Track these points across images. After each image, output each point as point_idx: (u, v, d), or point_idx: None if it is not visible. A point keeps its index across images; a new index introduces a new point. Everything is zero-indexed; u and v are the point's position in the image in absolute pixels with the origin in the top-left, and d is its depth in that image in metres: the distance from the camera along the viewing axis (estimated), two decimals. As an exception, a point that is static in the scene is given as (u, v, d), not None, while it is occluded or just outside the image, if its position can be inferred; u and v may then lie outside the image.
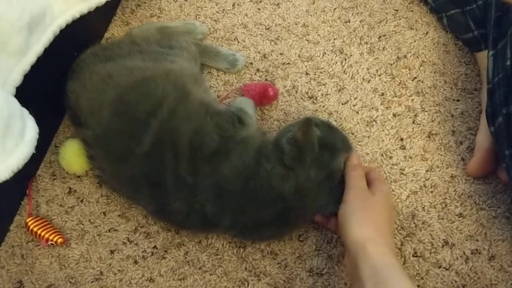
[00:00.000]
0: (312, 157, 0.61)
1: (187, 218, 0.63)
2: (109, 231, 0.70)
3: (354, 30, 0.84)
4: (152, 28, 0.83)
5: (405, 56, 0.81)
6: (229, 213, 0.63)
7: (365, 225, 0.56)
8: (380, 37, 0.83)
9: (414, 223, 0.68)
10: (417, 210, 0.69)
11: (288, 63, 0.82)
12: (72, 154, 0.71)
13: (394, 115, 0.76)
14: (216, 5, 0.88)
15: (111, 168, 0.67)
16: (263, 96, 0.76)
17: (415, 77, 0.79)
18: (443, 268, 0.65)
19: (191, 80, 0.70)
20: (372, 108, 0.77)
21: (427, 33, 0.83)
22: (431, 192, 0.70)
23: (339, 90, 0.79)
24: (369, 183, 0.63)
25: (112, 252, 0.69)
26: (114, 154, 0.66)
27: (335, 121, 0.76)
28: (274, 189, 0.61)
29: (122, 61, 0.70)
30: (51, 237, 0.68)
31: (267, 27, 0.85)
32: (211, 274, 0.67)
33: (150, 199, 0.66)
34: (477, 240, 0.67)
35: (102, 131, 0.66)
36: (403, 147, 0.74)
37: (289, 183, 0.61)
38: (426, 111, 0.76)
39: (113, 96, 0.66)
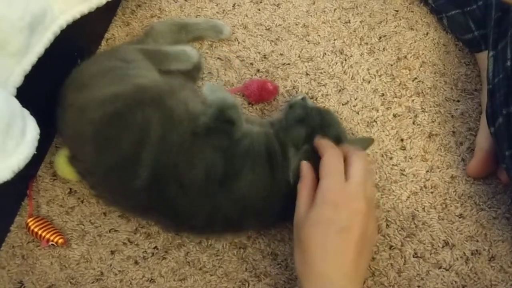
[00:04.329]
0: None
1: (210, 225, 0.63)
2: (109, 231, 0.70)
3: (354, 31, 0.84)
4: (172, 24, 0.81)
5: (405, 57, 0.81)
6: (255, 216, 0.63)
7: (296, 245, 0.57)
8: (380, 37, 0.83)
9: (415, 223, 0.68)
10: (417, 210, 0.69)
11: (288, 64, 0.82)
12: (65, 165, 0.70)
13: (394, 115, 0.76)
14: (217, 5, 0.88)
15: (112, 197, 0.67)
16: (262, 89, 0.76)
17: (416, 78, 0.79)
18: (443, 268, 0.66)
19: (166, 88, 0.67)
20: (373, 108, 0.77)
21: (427, 33, 0.83)
22: (432, 192, 0.70)
23: (339, 91, 0.79)
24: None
25: (112, 252, 0.69)
26: (111, 187, 0.65)
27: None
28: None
29: (91, 91, 0.66)
30: (51, 238, 0.68)
31: (267, 27, 0.85)
32: (211, 275, 0.67)
33: (163, 222, 0.66)
34: (477, 241, 0.67)
35: (92, 165, 0.64)
36: (403, 148, 0.74)
37: None
38: (426, 112, 0.76)
39: (91, 132, 0.63)
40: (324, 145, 0.61)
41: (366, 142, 0.70)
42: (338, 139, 0.64)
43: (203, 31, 0.83)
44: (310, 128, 0.63)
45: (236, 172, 0.60)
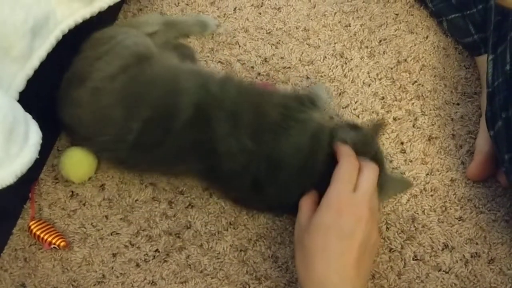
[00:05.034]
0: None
1: (239, 179, 0.65)
2: (111, 234, 0.71)
3: (355, 34, 0.84)
4: (162, 24, 0.82)
5: (405, 60, 0.81)
6: (278, 182, 0.63)
7: (298, 252, 0.59)
8: (380, 41, 0.84)
9: (414, 226, 0.69)
10: (417, 213, 0.70)
11: (289, 67, 0.82)
12: (70, 166, 0.71)
13: (394, 119, 0.77)
14: (218, 9, 0.88)
15: (149, 155, 0.67)
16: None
17: (415, 81, 0.80)
18: (443, 271, 0.66)
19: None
20: (373, 112, 0.77)
21: (427, 37, 0.83)
22: (431, 195, 0.71)
23: (340, 94, 0.79)
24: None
25: (114, 255, 0.69)
26: (145, 143, 0.65)
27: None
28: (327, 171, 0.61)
29: (97, 74, 0.67)
30: (53, 241, 0.68)
31: (268, 31, 0.86)
32: (212, 278, 0.67)
33: (194, 165, 0.66)
34: (477, 244, 0.67)
35: (122, 129, 0.65)
36: (403, 151, 0.74)
37: None
38: (426, 115, 0.77)
39: (116, 98, 0.65)
40: (344, 151, 0.62)
41: (405, 184, 0.71)
42: (377, 161, 0.64)
43: (190, 27, 0.84)
44: (360, 140, 0.64)
45: (282, 130, 0.64)
